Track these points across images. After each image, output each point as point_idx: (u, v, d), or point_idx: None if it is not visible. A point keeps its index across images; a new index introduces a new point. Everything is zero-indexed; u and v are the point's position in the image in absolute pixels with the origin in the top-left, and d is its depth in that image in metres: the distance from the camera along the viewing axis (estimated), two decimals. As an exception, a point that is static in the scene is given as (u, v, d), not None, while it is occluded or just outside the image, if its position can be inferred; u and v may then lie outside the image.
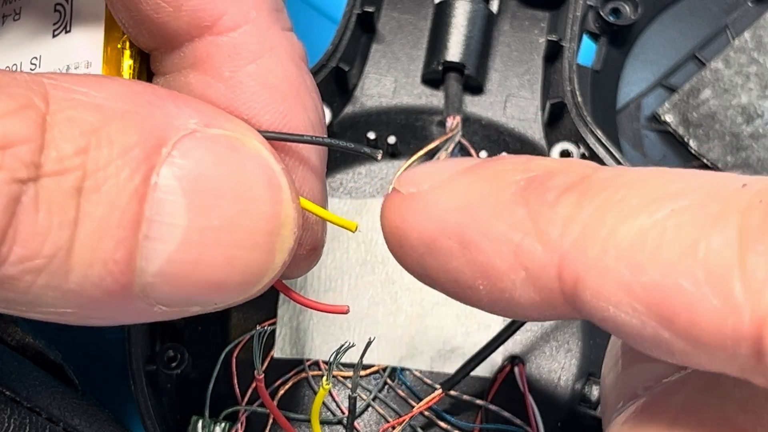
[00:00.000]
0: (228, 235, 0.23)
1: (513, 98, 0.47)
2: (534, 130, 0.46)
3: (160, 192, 0.23)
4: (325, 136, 0.29)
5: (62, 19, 0.29)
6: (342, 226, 0.28)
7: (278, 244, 0.25)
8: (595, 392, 0.41)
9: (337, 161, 0.46)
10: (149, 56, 0.29)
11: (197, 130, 0.24)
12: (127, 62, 0.28)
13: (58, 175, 0.21)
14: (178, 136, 0.23)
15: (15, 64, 0.29)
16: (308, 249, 0.29)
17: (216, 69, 0.27)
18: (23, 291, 0.22)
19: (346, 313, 0.29)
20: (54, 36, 0.29)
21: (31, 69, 0.29)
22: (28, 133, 0.21)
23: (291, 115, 0.28)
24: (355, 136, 0.46)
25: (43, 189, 0.21)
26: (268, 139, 0.26)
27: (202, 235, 0.23)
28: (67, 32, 0.29)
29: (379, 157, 0.28)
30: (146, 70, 0.29)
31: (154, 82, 0.29)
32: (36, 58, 0.29)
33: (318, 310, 0.30)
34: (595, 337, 0.43)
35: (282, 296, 0.43)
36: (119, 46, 0.28)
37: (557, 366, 0.42)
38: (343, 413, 0.41)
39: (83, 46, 0.28)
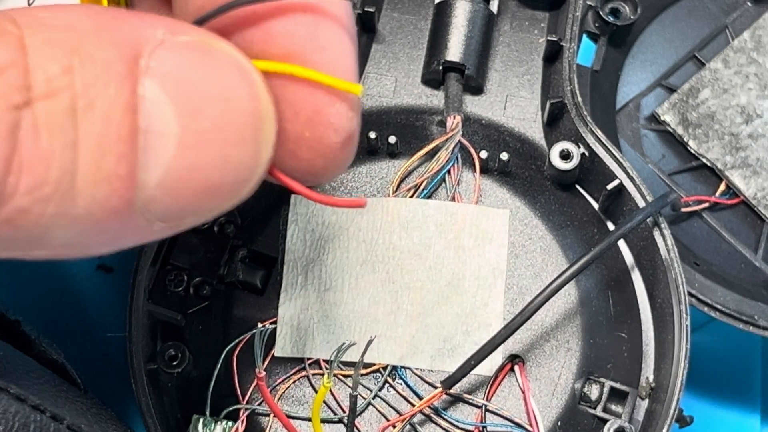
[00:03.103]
0: (218, 135, 0.24)
1: (513, 98, 0.47)
2: (534, 129, 0.46)
3: (148, 102, 0.23)
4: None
5: None
6: (346, 90, 0.26)
7: (263, 138, 0.25)
8: (595, 392, 0.41)
9: (338, 161, 0.46)
10: None
11: (166, 40, 0.24)
12: None
13: (50, 97, 0.21)
14: (151, 47, 0.23)
15: None
16: (344, 137, 0.27)
17: None
18: (34, 223, 0.22)
19: (363, 206, 0.28)
20: None
21: None
22: (10, 58, 0.21)
23: None
24: (355, 136, 0.46)
25: (39, 113, 0.21)
26: (229, 7, 0.25)
27: (196, 137, 0.23)
28: None
29: None
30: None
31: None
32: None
33: (335, 205, 0.29)
34: (595, 336, 0.43)
35: (283, 295, 0.43)
36: None
37: (557, 365, 0.42)
38: (343, 412, 0.42)
39: None
